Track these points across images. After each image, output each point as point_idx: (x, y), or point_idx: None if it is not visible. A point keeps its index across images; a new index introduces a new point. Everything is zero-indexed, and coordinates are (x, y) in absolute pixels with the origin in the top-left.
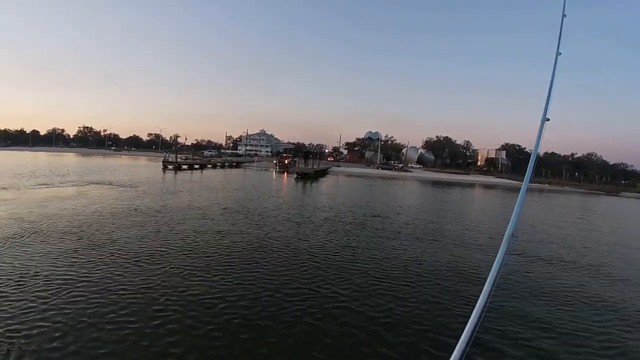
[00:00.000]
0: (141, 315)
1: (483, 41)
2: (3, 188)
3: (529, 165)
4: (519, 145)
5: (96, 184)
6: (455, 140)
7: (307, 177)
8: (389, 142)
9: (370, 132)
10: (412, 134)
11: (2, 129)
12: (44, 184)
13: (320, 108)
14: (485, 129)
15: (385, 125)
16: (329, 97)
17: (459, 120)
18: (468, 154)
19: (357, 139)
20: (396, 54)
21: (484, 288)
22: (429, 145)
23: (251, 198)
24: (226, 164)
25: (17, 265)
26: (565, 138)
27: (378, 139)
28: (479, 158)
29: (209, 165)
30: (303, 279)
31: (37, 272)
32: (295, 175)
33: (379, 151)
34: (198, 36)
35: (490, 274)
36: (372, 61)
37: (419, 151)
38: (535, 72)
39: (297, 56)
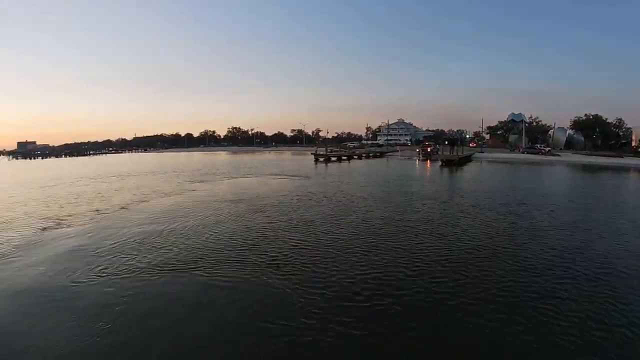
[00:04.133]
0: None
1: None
2: (203, 181)
3: None
4: None
5: (271, 175)
6: (607, 119)
7: (452, 164)
8: (534, 123)
9: (513, 113)
10: (558, 114)
11: (159, 133)
12: (230, 177)
13: (458, 91)
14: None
15: (529, 105)
16: (467, 78)
17: (608, 95)
18: (620, 133)
19: (499, 121)
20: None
21: None
22: (577, 125)
23: (407, 185)
24: (370, 155)
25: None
26: None
27: (522, 120)
28: (634, 138)
29: (355, 157)
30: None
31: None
32: (440, 163)
33: (523, 134)
34: (326, 32)
35: None
36: (511, 35)
37: (567, 132)
38: None
39: (428, 39)
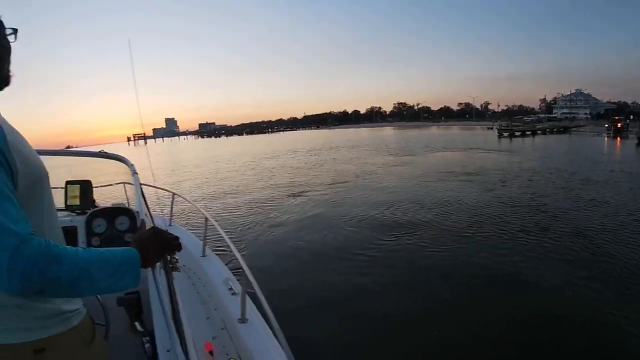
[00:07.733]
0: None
1: None
2: (411, 154)
3: None
4: None
5: (472, 149)
6: None
7: None
8: None
9: None
10: None
11: (327, 111)
12: (432, 150)
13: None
14: None
15: None
16: None
17: None
18: None
19: None
20: None
21: None
22: None
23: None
24: (554, 130)
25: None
26: None
27: None
28: None
29: (539, 132)
30: None
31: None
32: (636, 141)
33: None
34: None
35: None
36: None
37: None
38: None
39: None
